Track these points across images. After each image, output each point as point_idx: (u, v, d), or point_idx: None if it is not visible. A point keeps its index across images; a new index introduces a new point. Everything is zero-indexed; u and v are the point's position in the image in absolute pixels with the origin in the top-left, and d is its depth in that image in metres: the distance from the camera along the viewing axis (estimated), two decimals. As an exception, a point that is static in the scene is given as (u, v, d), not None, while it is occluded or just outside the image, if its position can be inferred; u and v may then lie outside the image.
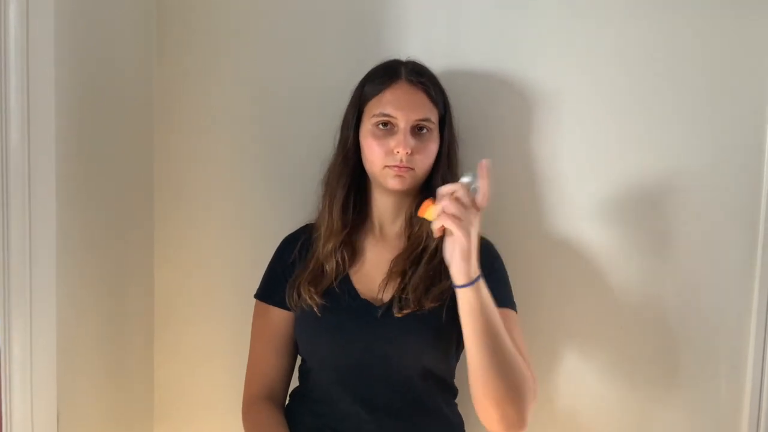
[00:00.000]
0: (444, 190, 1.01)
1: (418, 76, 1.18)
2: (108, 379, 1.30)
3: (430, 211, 1.03)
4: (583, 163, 1.34)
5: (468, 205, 0.99)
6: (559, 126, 1.34)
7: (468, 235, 0.99)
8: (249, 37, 1.39)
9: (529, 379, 1.07)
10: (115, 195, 1.30)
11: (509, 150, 1.36)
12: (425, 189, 1.21)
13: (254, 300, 1.25)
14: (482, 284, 1.03)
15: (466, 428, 1.24)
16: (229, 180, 1.42)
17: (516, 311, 1.20)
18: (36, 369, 1.06)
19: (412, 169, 1.15)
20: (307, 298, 1.16)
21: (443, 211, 0.99)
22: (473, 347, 1.03)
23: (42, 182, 1.06)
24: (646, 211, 1.34)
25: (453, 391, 1.24)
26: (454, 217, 0.99)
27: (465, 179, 1.02)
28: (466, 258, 1.00)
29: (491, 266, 1.18)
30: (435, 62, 1.27)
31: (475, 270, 1.02)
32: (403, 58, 1.25)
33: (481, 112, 1.35)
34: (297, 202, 1.32)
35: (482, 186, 1.01)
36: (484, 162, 1.01)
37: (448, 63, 1.34)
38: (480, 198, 1.01)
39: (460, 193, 1.00)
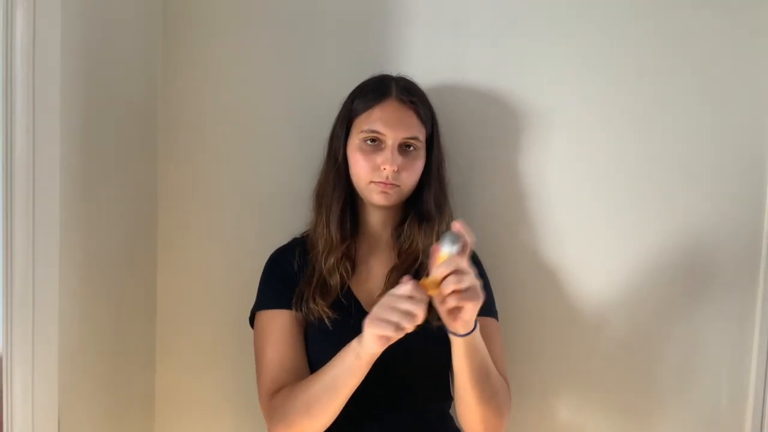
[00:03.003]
0: (442, 273, 0.95)
1: (409, 94, 1.20)
2: (109, 385, 1.29)
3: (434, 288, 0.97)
4: (574, 179, 1.37)
5: (470, 270, 0.97)
6: (551, 142, 1.36)
7: (479, 296, 0.97)
8: (255, 41, 1.39)
9: (507, 394, 1.15)
10: (119, 198, 1.29)
11: (499, 165, 1.38)
12: (411, 204, 1.24)
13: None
14: (478, 328, 1.04)
15: None
16: (232, 184, 1.42)
17: (498, 320, 1.23)
18: (37, 374, 1.05)
19: (398, 186, 1.17)
20: (318, 311, 1.15)
21: (454, 291, 0.95)
22: (465, 384, 1.07)
23: (46, 185, 1.05)
24: (637, 225, 1.36)
25: (449, 400, 1.25)
26: (468, 291, 0.96)
27: (449, 247, 0.97)
28: (474, 313, 1.00)
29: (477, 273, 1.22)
30: (423, 76, 1.30)
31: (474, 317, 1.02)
32: (394, 73, 1.27)
33: (472, 127, 1.37)
34: (302, 207, 1.31)
35: (468, 243, 0.99)
36: (459, 224, 0.99)
37: (438, 78, 1.36)
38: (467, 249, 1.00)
39: (462, 265, 0.96)
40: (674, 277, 1.36)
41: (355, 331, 1.14)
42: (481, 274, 1.25)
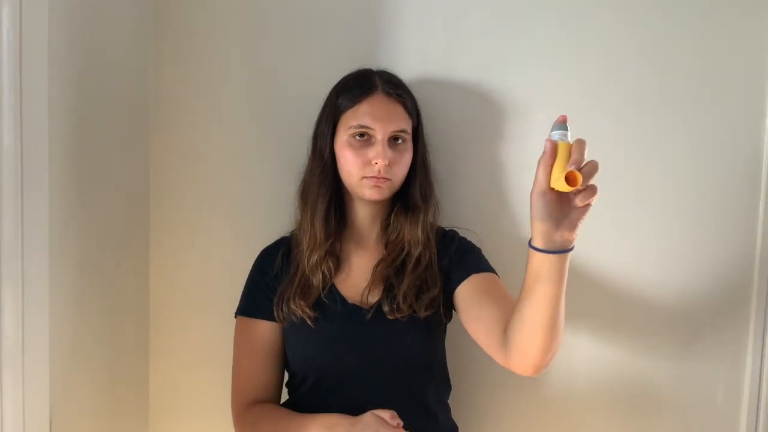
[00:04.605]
0: (583, 156, 0.87)
1: (395, 88, 1.21)
2: (103, 384, 1.29)
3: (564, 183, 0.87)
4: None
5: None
6: (539, 135, 1.31)
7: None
8: (246, 41, 1.40)
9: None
10: (110, 198, 1.29)
11: (487, 157, 1.38)
12: (397, 196, 1.24)
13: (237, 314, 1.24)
14: None
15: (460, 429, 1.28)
16: (225, 184, 1.42)
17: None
18: (28, 373, 1.05)
19: (389, 179, 1.17)
20: (299, 312, 1.17)
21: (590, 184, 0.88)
22: (549, 307, 0.95)
23: (35, 185, 1.04)
24: (622, 219, 1.36)
25: (448, 388, 1.27)
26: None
27: (564, 136, 0.89)
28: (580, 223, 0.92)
29: (465, 245, 1.24)
30: (413, 69, 1.32)
31: None
32: (374, 67, 1.27)
33: (461, 120, 1.38)
34: (294, 206, 1.29)
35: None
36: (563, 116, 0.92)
37: (419, 71, 1.36)
38: None
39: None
40: (665, 275, 1.37)
41: (337, 324, 1.17)
42: (472, 245, 1.26)
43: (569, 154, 0.87)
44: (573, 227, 0.90)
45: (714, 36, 1.33)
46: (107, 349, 1.31)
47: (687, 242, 1.36)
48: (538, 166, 0.89)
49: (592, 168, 0.87)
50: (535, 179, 0.90)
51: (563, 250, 0.92)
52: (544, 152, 0.89)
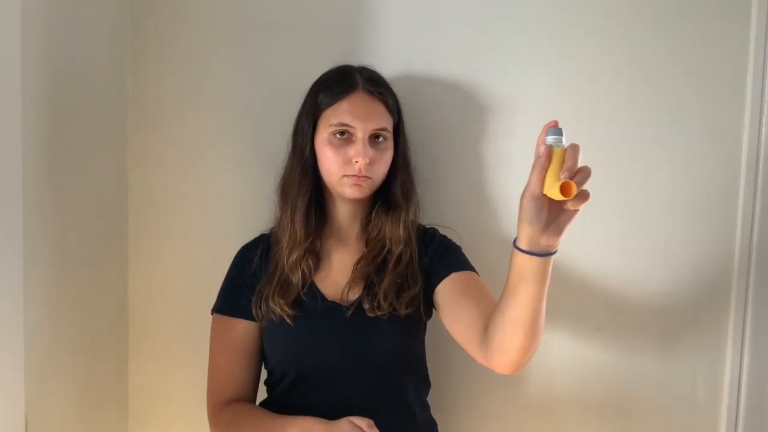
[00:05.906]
0: (577, 163, 0.86)
1: (376, 86, 1.20)
2: (80, 384, 1.28)
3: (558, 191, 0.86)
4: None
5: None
6: (522, 133, 1.36)
7: None
8: (226, 39, 1.39)
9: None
10: (88, 197, 1.28)
11: (465, 155, 1.38)
12: (378, 194, 1.23)
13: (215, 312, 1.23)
14: None
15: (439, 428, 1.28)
16: (204, 182, 1.41)
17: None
18: (2, 373, 1.03)
19: (370, 178, 1.17)
20: (278, 310, 1.16)
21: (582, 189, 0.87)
22: (531, 307, 0.96)
23: (8, 185, 1.03)
24: (604, 217, 1.36)
25: (427, 385, 1.27)
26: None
27: (558, 141, 0.87)
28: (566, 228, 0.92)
29: (445, 243, 1.25)
30: (388, 67, 1.31)
31: None
32: (355, 64, 1.26)
33: (437, 117, 1.37)
34: (274, 203, 1.28)
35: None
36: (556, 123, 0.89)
37: (402, 68, 1.36)
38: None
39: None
40: (644, 274, 1.37)
41: (316, 321, 1.16)
42: (453, 244, 1.26)
43: (563, 160, 0.87)
44: (559, 232, 0.91)
45: (695, 38, 1.33)
46: (85, 349, 1.30)
47: (666, 241, 1.37)
48: (532, 170, 0.88)
49: (585, 176, 0.86)
50: (528, 183, 0.89)
51: (547, 253, 0.93)
52: (538, 157, 0.88)
